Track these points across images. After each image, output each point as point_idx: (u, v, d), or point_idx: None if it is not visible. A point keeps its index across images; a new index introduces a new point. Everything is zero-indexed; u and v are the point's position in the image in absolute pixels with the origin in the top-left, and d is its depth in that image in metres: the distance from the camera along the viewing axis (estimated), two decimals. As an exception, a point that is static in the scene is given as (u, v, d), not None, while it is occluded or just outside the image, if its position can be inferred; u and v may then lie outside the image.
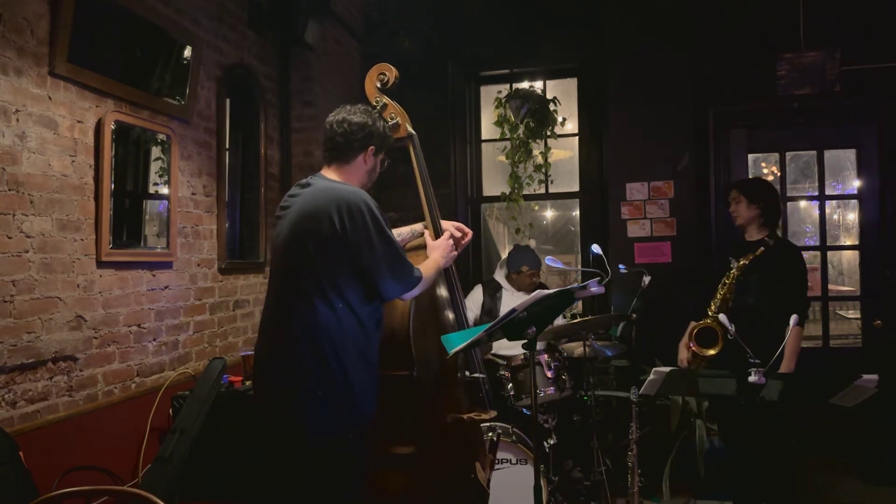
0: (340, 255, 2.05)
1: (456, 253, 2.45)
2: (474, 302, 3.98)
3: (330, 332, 2.04)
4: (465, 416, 2.48)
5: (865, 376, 1.99)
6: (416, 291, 2.19)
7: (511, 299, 3.94)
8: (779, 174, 4.70)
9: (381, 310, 2.20)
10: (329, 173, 2.25)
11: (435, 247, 2.40)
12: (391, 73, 2.46)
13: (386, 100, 2.47)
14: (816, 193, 4.69)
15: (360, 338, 2.09)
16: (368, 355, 2.12)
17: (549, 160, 4.94)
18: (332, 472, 2.09)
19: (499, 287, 4.03)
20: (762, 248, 3.14)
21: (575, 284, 2.26)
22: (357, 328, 2.08)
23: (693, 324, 3.35)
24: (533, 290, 4.01)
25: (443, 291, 2.58)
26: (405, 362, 2.27)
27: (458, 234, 2.50)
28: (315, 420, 2.06)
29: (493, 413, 2.56)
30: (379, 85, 2.48)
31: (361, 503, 2.17)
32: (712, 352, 3.11)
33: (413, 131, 2.50)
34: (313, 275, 2.06)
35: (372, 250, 2.05)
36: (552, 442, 3.53)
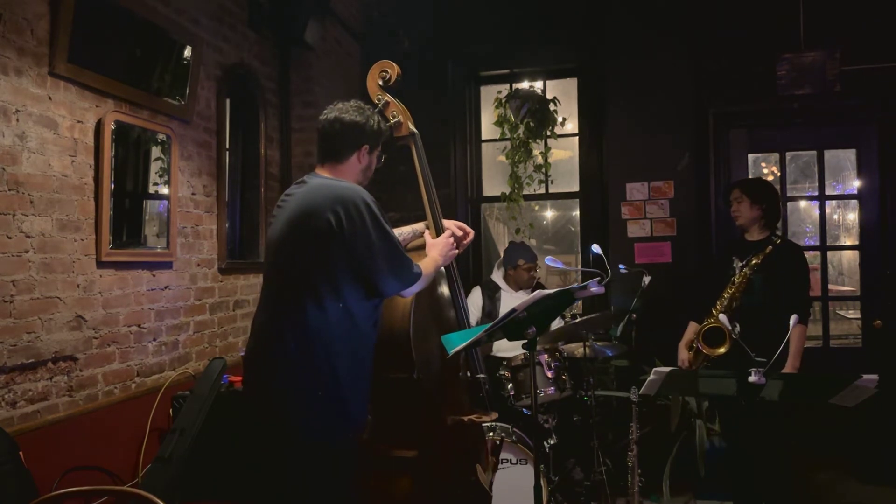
0: (338, 253, 2.03)
1: (456, 251, 2.44)
2: (474, 305, 3.98)
3: (322, 332, 2.01)
4: (465, 419, 2.47)
5: (865, 376, 1.98)
6: (415, 288, 2.18)
7: (510, 300, 3.94)
8: (779, 174, 4.70)
9: (379, 310, 2.17)
10: (323, 172, 2.22)
11: (434, 244, 2.38)
12: (393, 70, 2.45)
13: (388, 97, 2.45)
14: (816, 193, 4.68)
15: (353, 339, 2.06)
16: (361, 357, 2.10)
17: (549, 160, 4.93)
18: (323, 474, 2.07)
19: (497, 288, 4.03)
20: (771, 248, 3.13)
21: (575, 284, 2.26)
22: (351, 329, 2.05)
23: (694, 324, 3.35)
24: (531, 286, 4.05)
25: (444, 290, 2.58)
26: (405, 364, 2.25)
27: (460, 233, 2.48)
28: (304, 422, 2.04)
29: (494, 415, 2.56)
30: (381, 82, 2.46)
31: None
32: (722, 350, 3.10)
33: (415, 130, 2.48)
34: (308, 274, 2.04)
35: (370, 247, 2.03)
36: (552, 442, 3.53)
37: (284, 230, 2.10)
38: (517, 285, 4.01)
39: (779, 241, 3.18)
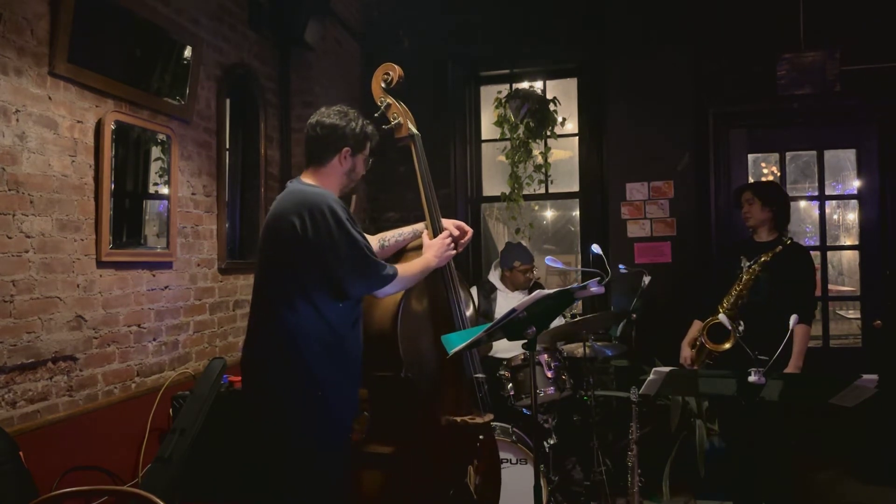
0: (304, 256, 2.07)
1: (453, 252, 2.45)
2: None
3: (296, 334, 2.06)
4: (459, 419, 2.47)
5: (865, 376, 1.99)
6: (390, 289, 2.20)
7: (505, 300, 3.95)
8: (779, 174, 4.70)
9: (356, 310, 2.20)
10: (307, 176, 2.27)
11: (430, 245, 2.40)
12: (395, 72, 2.47)
13: (390, 100, 2.48)
14: (816, 193, 4.68)
15: (329, 339, 2.09)
16: (341, 357, 2.13)
17: (549, 160, 4.93)
18: (312, 474, 2.08)
19: (493, 288, 4.04)
20: (781, 247, 3.17)
21: (575, 284, 2.26)
22: (326, 329, 2.09)
23: (698, 322, 3.37)
24: (528, 287, 4.05)
25: (440, 291, 2.58)
26: (392, 363, 2.27)
27: (458, 233, 2.49)
28: (288, 422, 2.07)
29: (490, 416, 2.55)
30: (384, 85, 2.49)
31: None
32: (727, 345, 3.13)
33: (416, 131, 2.50)
34: (279, 277, 2.11)
35: (335, 250, 2.06)
36: (552, 442, 3.53)
37: (261, 237, 2.21)
38: (513, 286, 4.01)
39: (789, 243, 3.22)
